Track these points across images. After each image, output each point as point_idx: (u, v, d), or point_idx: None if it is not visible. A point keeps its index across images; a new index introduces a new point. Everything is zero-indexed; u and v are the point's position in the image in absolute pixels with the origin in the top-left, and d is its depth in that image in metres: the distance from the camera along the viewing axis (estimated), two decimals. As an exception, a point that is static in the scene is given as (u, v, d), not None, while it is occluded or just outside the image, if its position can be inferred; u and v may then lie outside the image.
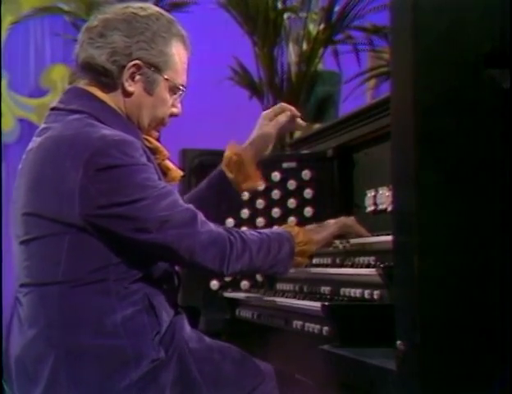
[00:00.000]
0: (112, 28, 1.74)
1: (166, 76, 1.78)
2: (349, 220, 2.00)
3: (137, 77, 1.76)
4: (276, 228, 1.92)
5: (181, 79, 1.82)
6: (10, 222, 1.76)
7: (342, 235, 2.00)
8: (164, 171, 1.83)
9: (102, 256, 1.65)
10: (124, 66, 1.74)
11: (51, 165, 1.66)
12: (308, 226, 1.95)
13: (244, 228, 2.32)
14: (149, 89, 1.77)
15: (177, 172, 1.87)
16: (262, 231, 1.86)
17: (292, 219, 2.49)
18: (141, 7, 1.79)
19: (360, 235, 1.99)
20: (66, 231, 1.64)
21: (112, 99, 1.77)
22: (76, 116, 1.71)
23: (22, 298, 1.71)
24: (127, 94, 1.77)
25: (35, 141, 1.74)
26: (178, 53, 1.81)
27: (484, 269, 1.41)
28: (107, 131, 1.67)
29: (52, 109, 1.78)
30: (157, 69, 1.77)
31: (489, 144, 1.44)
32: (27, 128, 4.50)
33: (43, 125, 1.76)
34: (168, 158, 1.86)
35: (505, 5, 1.42)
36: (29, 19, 4.07)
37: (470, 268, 1.41)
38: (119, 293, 1.65)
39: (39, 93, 4.52)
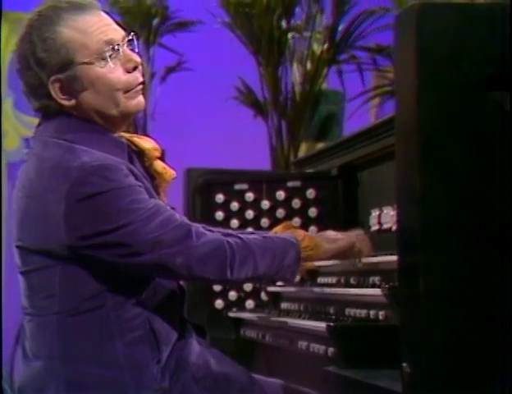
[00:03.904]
0: (19, 71, 1.70)
1: (80, 61, 1.65)
2: (360, 237, 1.94)
3: (66, 88, 1.66)
4: (280, 233, 1.84)
5: (96, 44, 1.65)
6: (13, 240, 1.77)
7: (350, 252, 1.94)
8: (154, 176, 1.75)
9: (96, 283, 1.63)
10: (49, 93, 1.66)
11: (35, 199, 1.64)
12: (319, 234, 1.88)
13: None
14: (80, 85, 1.65)
15: (167, 175, 1.76)
16: (266, 234, 1.80)
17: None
18: (22, 26, 1.68)
19: (365, 255, 1.97)
20: (57, 264, 1.62)
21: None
22: (55, 139, 1.66)
23: (26, 324, 1.70)
24: (73, 107, 1.67)
25: (22, 167, 1.71)
26: (73, 29, 1.65)
27: (491, 290, 1.41)
28: (86, 157, 1.61)
29: (37, 128, 1.73)
30: (68, 64, 1.64)
31: (492, 164, 1.44)
32: (32, 147, 4.52)
33: (27, 150, 1.73)
34: (159, 158, 1.76)
35: (506, 27, 1.42)
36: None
37: (476, 289, 1.41)
38: (119, 318, 1.63)
39: (44, 112, 4.55)
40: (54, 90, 1.67)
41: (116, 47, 1.66)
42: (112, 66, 1.66)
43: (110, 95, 1.67)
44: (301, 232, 1.84)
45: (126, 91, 1.68)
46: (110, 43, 1.67)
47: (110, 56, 1.66)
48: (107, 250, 1.61)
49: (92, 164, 1.61)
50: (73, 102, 1.67)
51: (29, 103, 1.73)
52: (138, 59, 1.69)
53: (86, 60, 1.65)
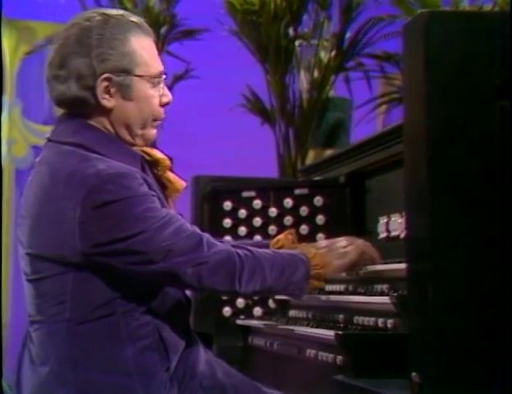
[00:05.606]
0: (69, 54, 1.70)
1: (138, 74, 1.72)
2: (367, 246, 1.94)
3: (112, 90, 1.70)
4: (291, 250, 1.86)
5: (154, 67, 1.75)
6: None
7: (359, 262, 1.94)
8: (165, 185, 1.79)
9: (107, 291, 1.64)
10: (94, 86, 1.69)
11: (49, 206, 1.65)
12: (323, 243, 1.89)
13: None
14: (128, 94, 1.71)
15: (179, 184, 1.81)
16: (276, 250, 1.83)
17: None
18: (86, 18, 1.72)
19: (374, 263, 1.96)
20: (69, 271, 1.64)
21: (97, 123, 1.72)
22: (69, 147, 1.68)
23: (33, 333, 1.70)
24: (109, 111, 1.71)
25: (33, 174, 1.72)
26: (140, 45, 1.73)
27: (500, 297, 1.40)
28: (102, 165, 1.64)
29: (48, 140, 1.74)
30: (126, 71, 1.71)
31: (501, 172, 1.44)
32: (40, 155, 4.54)
33: (39, 158, 1.74)
34: (170, 169, 1.81)
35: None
36: (44, 48, 4.13)
37: (485, 297, 1.40)
38: (128, 325, 1.64)
39: (53, 120, 4.55)
40: (100, 87, 1.70)
41: (163, 79, 1.78)
42: (156, 94, 1.76)
43: (146, 116, 1.75)
44: (312, 250, 1.84)
45: (154, 120, 1.77)
46: (161, 74, 1.77)
47: (157, 83, 1.76)
48: (120, 258, 1.62)
49: (108, 172, 1.63)
50: (110, 105, 1.72)
51: (54, 89, 1.71)
52: (171, 97, 1.79)
53: (143, 76, 1.73)
